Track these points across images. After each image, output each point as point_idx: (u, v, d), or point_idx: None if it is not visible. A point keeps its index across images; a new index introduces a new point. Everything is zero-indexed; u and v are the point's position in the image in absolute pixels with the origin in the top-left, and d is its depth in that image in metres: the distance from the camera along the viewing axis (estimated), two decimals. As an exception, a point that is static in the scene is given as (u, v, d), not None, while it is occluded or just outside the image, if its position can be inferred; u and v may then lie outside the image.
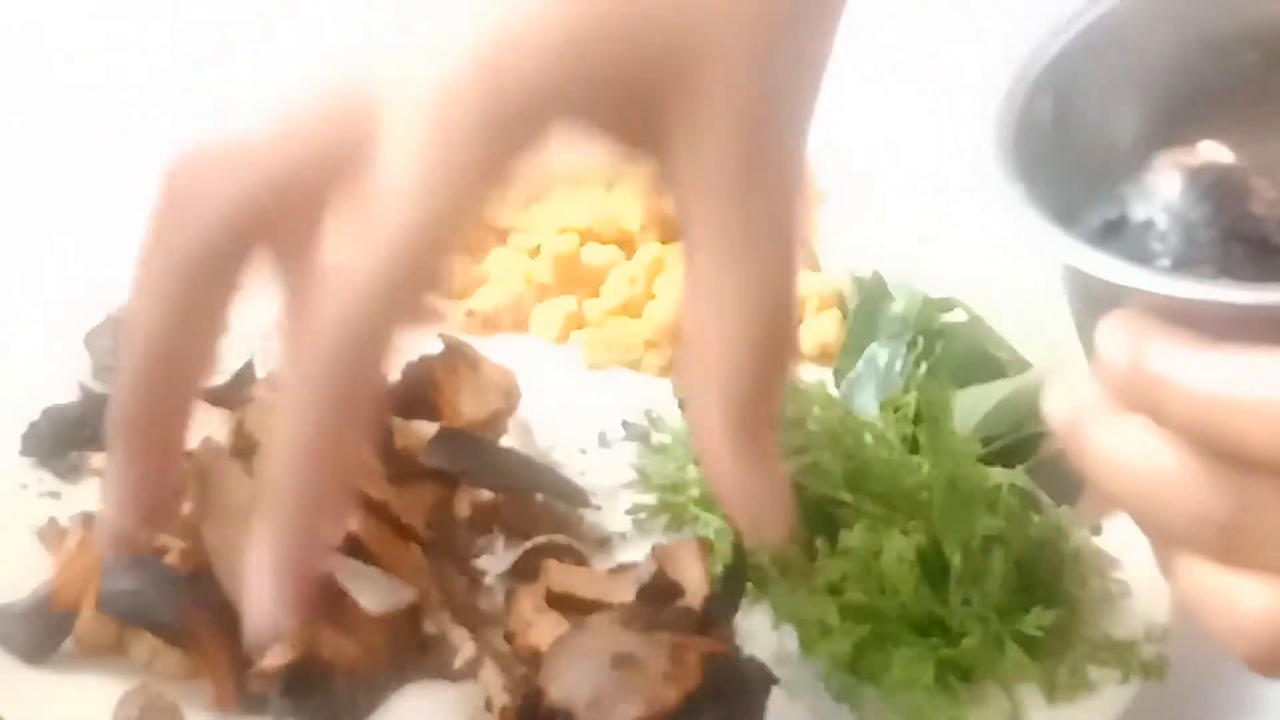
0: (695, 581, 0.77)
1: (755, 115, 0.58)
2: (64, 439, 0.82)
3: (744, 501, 0.57)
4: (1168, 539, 0.47)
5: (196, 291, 0.56)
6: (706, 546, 0.78)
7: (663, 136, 0.57)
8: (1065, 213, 0.47)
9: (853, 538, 0.75)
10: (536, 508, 0.81)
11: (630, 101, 0.57)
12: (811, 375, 0.87)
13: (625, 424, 0.86)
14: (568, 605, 0.77)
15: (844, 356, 0.89)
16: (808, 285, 0.93)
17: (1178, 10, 0.51)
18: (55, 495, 0.81)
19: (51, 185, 0.99)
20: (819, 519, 0.77)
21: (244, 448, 0.74)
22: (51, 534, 0.78)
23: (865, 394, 0.86)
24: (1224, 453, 0.44)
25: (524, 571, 0.79)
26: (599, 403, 0.86)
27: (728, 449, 0.56)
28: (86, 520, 0.76)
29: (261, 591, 0.54)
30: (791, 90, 0.60)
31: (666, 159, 0.58)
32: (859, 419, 0.80)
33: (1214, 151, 0.48)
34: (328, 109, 0.56)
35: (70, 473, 0.82)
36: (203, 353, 0.57)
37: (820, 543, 0.76)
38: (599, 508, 0.83)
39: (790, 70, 0.60)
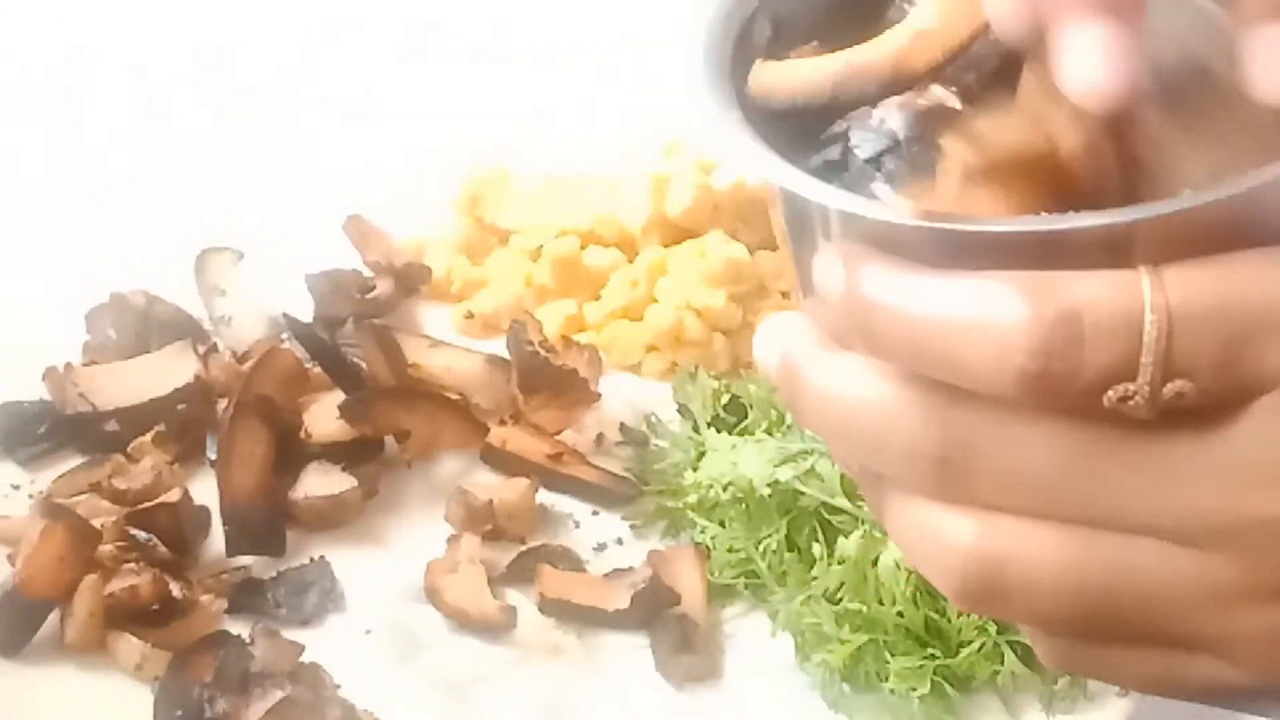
0: (691, 587, 0.77)
1: None
2: (23, 434, 0.82)
3: None
4: (880, 476, 0.45)
5: None
6: (703, 553, 0.78)
7: None
8: (782, 147, 0.46)
9: (850, 546, 0.74)
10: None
11: None
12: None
13: (623, 428, 0.85)
14: (563, 611, 0.77)
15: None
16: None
17: None
18: (16, 487, 0.82)
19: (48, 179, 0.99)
20: (816, 526, 0.76)
21: None
22: (11, 526, 0.77)
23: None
24: (938, 379, 0.43)
25: (520, 574, 0.78)
26: (598, 405, 0.86)
27: None
28: (47, 509, 0.75)
29: None
30: None
31: None
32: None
33: (944, 96, 0.47)
34: None
35: (30, 463, 0.82)
36: None
37: (818, 551, 0.76)
38: (596, 512, 0.82)
39: None
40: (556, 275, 0.90)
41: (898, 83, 0.47)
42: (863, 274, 0.43)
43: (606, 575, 0.78)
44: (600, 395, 0.85)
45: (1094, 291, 0.41)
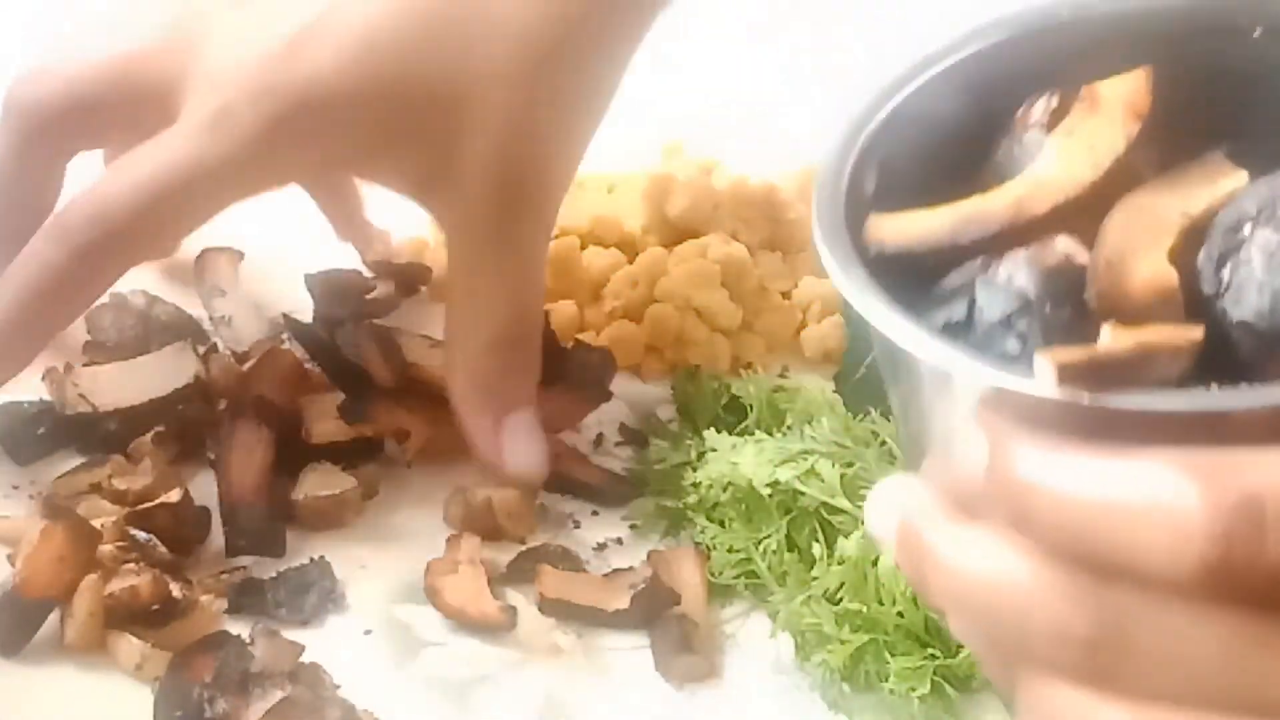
0: (691, 587, 0.77)
1: (509, 169, 0.70)
2: (23, 434, 0.82)
3: (484, 449, 0.78)
4: (1019, 659, 0.44)
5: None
6: (703, 553, 0.78)
7: (432, 181, 0.72)
8: (902, 304, 0.45)
9: (850, 546, 0.74)
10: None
11: (404, 150, 0.71)
12: (813, 381, 0.87)
13: (623, 428, 0.85)
14: (563, 611, 0.77)
15: (847, 361, 0.89)
16: (812, 290, 0.92)
17: (977, 84, 0.49)
18: (15, 488, 0.81)
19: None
20: (817, 526, 0.76)
21: None
22: (11, 526, 0.77)
23: (868, 400, 0.86)
24: (1092, 562, 0.41)
25: (519, 574, 0.78)
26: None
27: (467, 410, 0.77)
28: (47, 509, 0.75)
29: None
30: (552, 143, 0.72)
31: (435, 200, 0.74)
32: (860, 425, 0.80)
33: (1070, 247, 0.46)
34: (150, 59, 0.72)
35: (30, 463, 0.82)
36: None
37: (818, 551, 0.76)
38: (596, 512, 0.82)
39: (552, 126, 0.71)
40: (556, 275, 0.90)
41: (1018, 230, 0.46)
42: (1016, 452, 0.42)
43: (606, 575, 0.78)
44: (613, 395, 0.84)
45: (1274, 474, 0.40)
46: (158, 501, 0.77)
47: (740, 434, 0.81)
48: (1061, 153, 0.47)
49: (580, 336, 0.88)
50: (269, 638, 0.73)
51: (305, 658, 0.73)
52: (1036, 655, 0.43)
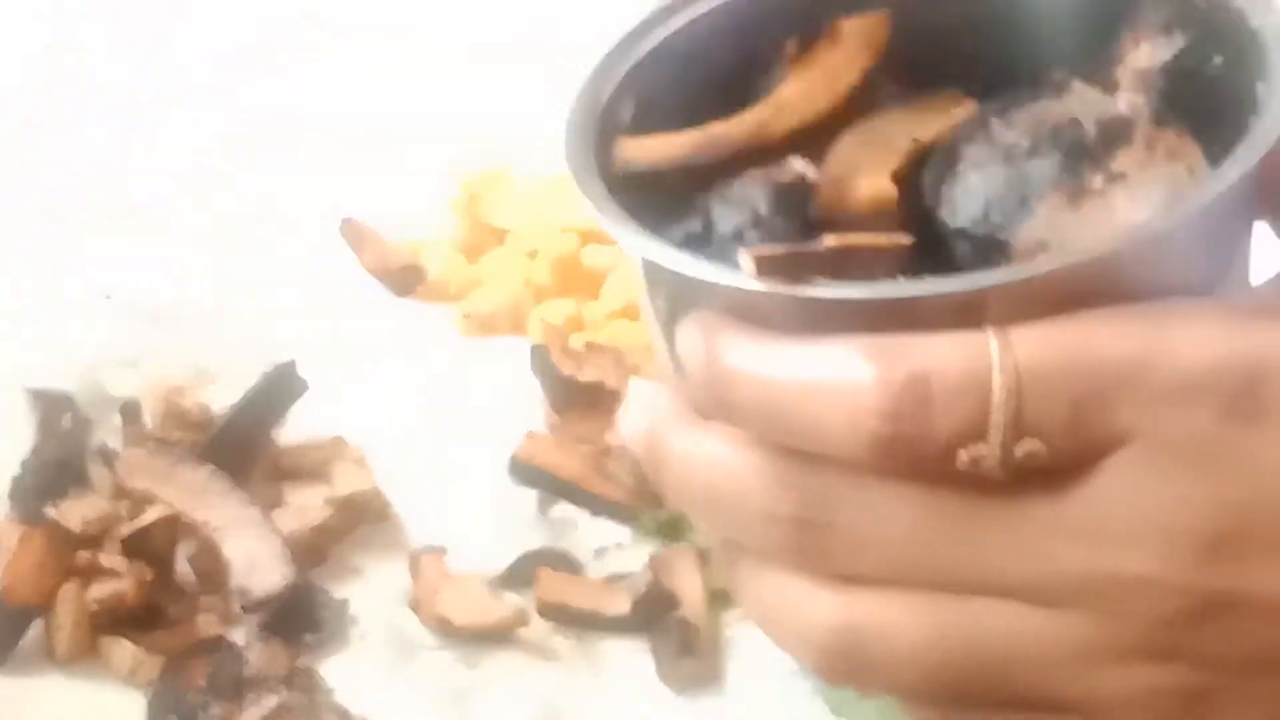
0: (692, 591, 0.76)
1: None
2: (46, 489, 0.80)
3: None
4: (737, 546, 0.45)
5: None
6: (704, 557, 0.77)
7: None
8: (645, 221, 0.46)
9: (852, 548, 0.74)
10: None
11: None
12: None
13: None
14: (562, 615, 0.76)
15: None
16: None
17: (740, 26, 0.51)
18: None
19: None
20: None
21: None
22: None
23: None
24: (795, 444, 0.43)
25: (518, 577, 0.78)
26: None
27: None
28: (25, 514, 0.75)
29: None
30: None
31: None
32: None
33: (802, 166, 0.47)
34: None
35: None
36: None
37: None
38: (596, 515, 0.82)
39: None
40: (555, 275, 0.90)
41: (757, 153, 0.48)
42: (720, 342, 0.44)
43: (606, 579, 0.78)
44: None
45: (941, 354, 0.42)
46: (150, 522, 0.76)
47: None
48: (801, 80, 0.50)
49: (580, 336, 0.88)
50: (263, 642, 0.72)
51: (299, 662, 0.73)
52: (750, 541, 0.45)
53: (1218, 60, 0.48)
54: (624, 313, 0.89)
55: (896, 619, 0.43)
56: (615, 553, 0.80)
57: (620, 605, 0.76)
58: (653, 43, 0.51)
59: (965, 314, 0.42)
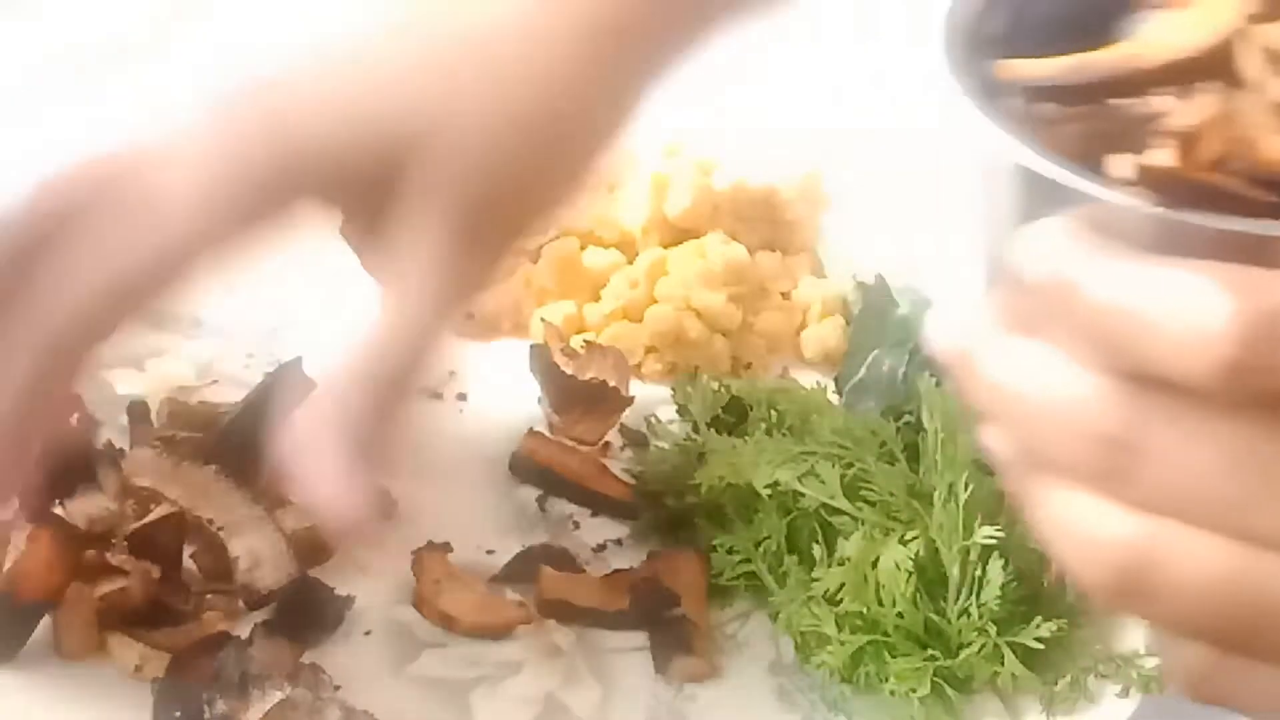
0: (691, 589, 0.77)
1: (468, 220, 0.66)
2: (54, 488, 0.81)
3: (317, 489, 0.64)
4: (1042, 464, 0.45)
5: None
6: (703, 554, 0.78)
7: (387, 221, 0.66)
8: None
9: (850, 547, 0.74)
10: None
11: (363, 186, 0.66)
12: (813, 381, 0.87)
13: (623, 429, 0.85)
14: (562, 612, 0.77)
15: (847, 362, 0.89)
16: (812, 290, 0.92)
17: None
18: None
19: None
20: (817, 528, 0.76)
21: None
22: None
23: (868, 400, 0.86)
24: (1131, 364, 0.43)
25: (518, 575, 0.78)
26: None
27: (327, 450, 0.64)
28: (30, 512, 0.75)
29: None
30: (524, 190, 0.67)
31: (388, 243, 0.67)
32: (860, 425, 0.80)
33: (1166, 105, 0.47)
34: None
35: None
36: None
37: (818, 552, 0.75)
38: (596, 513, 0.82)
39: (528, 172, 0.66)
40: (556, 276, 0.90)
41: (1123, 82, 0.48)
42: (1074, 252, 0.43)
43: (606, 576, 0.78)
44: (634, 398, 0.84)
45: None
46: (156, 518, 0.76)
47: (740, 435, 0.81)
48: (1177, 19, 0.50)
49: (579, 336, 0.88)
50: (268, 638, 0.73)
51: (304, 659, 0.73)
52: (1059, 456, 0.44)
53: None
54: (624, 313, 0.89)
55: (1191, 555, 0.43)
56: (615, 550, 0.80)
57: (620, 602, 0.76)
58: None
59: None
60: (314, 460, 0.64)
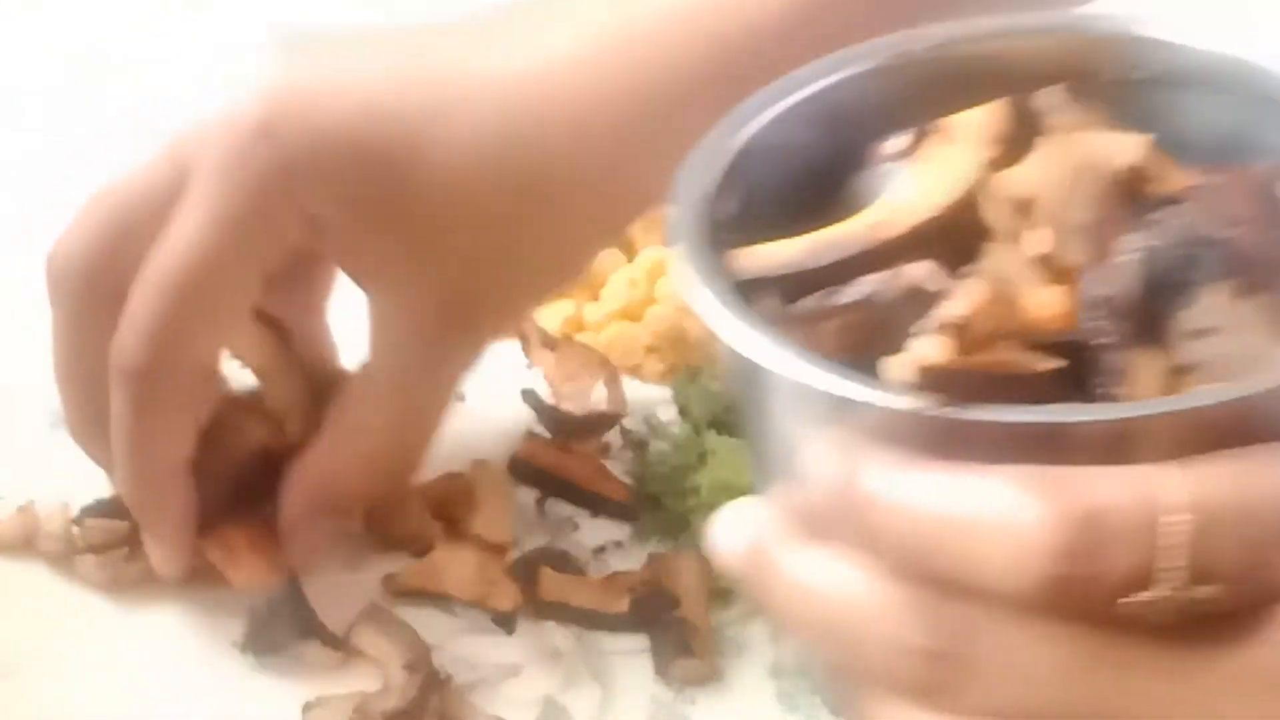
0: (692, 591, 0.77)
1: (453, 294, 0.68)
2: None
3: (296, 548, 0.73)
4: (861, 680, 0.44)
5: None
6: (704, 555, 0.78)
7: (376, 274, 0.68)
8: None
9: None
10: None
11: (360, 227, 0.66)
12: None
13: (623, 430, 0.85)
14: (561, 613, 0.76)
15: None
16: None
17: (833, 116, 0.50)
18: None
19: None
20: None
21: None
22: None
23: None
24: (934, 577, 0.41)
25: (517, 577, 0.78)
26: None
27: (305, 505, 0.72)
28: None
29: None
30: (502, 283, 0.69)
31: (374, 293, 0.69)
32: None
33: (920, 273, 0.46)
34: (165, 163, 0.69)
35: None
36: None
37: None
38: (596, 514, 0.82)
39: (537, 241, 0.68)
40: (556, 275, 0.90)
41: (874, 256, 0.47)
42: (863, 466, 0.42)
43: (606, 578, 0.78)
44: (628, 409, 0.84)
45: (1114, 490, 0.40)
46: None
47: (740, 435, 0.81)
48: (917, 178, 0.48)
49: (579, 337, 0.88)
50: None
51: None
52: (877, 672, 0.43)
53: None
54: (624, 313, 0.89)
55: None
56: (615, 552, 0.80)
57: (620, 604, 0.76)
58: (749, 134, 0.50)
59: (1123, 444, 0.40)
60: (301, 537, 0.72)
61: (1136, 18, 0.51)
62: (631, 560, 0.79)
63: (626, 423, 0.85)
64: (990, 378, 0.42)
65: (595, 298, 0.90)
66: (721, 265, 0.48)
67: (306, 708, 0.73)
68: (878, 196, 0.49)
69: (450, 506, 0.80)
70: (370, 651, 0.74)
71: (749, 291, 0.47)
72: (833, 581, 0.43)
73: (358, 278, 0.70)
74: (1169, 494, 0.40)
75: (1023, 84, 0.50)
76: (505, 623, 0.76)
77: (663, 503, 0.81)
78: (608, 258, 0.90)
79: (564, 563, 0.79)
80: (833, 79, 0.51)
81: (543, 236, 0.66)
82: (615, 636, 0.76)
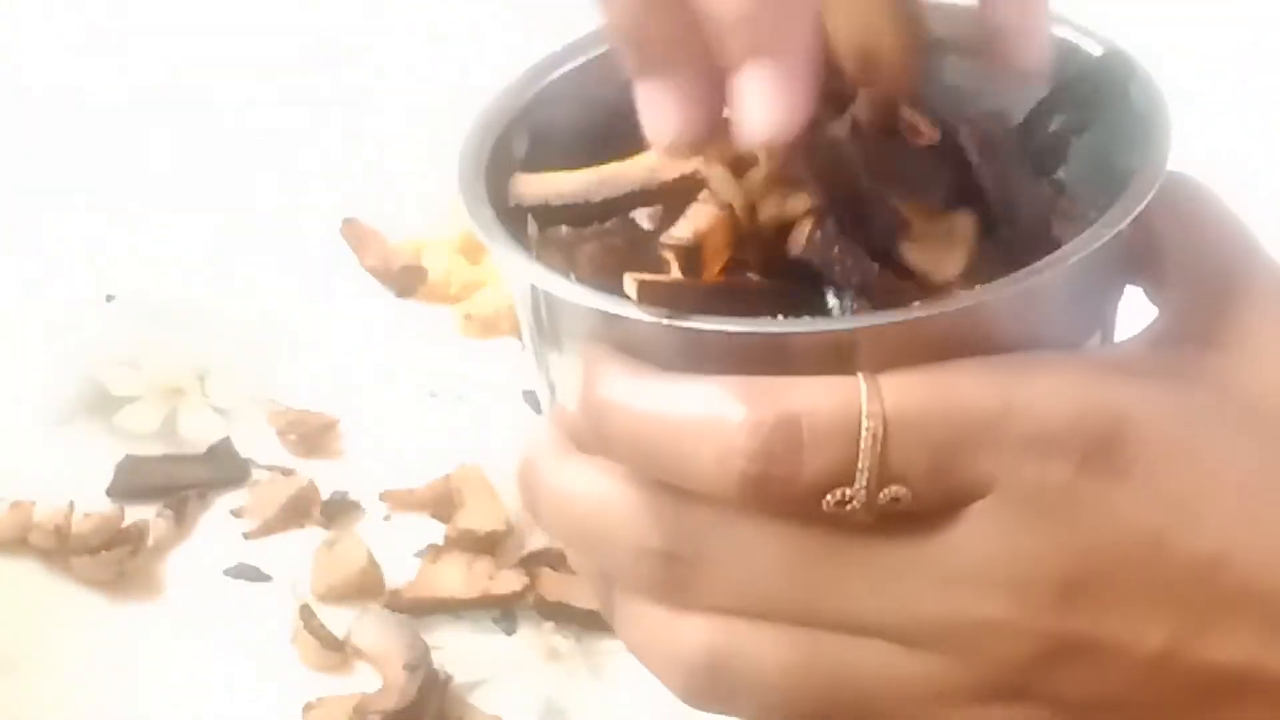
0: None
1: None
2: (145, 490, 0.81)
3: None
4: (609, 577, 0.46)
5: None
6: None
7: None
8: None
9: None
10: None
11: None
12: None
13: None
14: (562, 614, 0.76)
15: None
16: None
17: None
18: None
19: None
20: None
21: None
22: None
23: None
24: (666, 479, 0.44)
25: (526, 585, 0.78)
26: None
27: None
28: None
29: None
30: None
31: None
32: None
33: (651, 220, 0.48)
34: None
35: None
36: None
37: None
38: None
39: None
40: (556, 276, 0.90)
41: (648, 194, 0.48)
42: (599, 374, 0.44)
43: (606, 578, 0.78)
44: None
45: (812, 397, 0.42)
46: None
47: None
48: None
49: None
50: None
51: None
52: (622, 573, 0.46)
53: (1099, 127, 0.49)
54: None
55: (760, 648, 0.44)
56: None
57: (620, 604, 0.76)
58: (547, 81, 0.52)
59: (838, 355, 0.43)
60: None
61: None
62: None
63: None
64: (720, 295, 0.45)
65: (595, 298, 0.90)
66: (500, 190, 0.50)
67: (307, 708, 0.73)
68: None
69: (442, 508, 0.80)
70: (370, 651, 0.74)
71: (516, 219, 0.49)
72: (584, 489, 0.46)
73: None
74: (864, 400, 0.42)
75: None
76: (505, 623, 0.76)
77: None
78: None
79: (564, 563, 0.79)
80: None
81: None
82: (615, 638, 0.76)
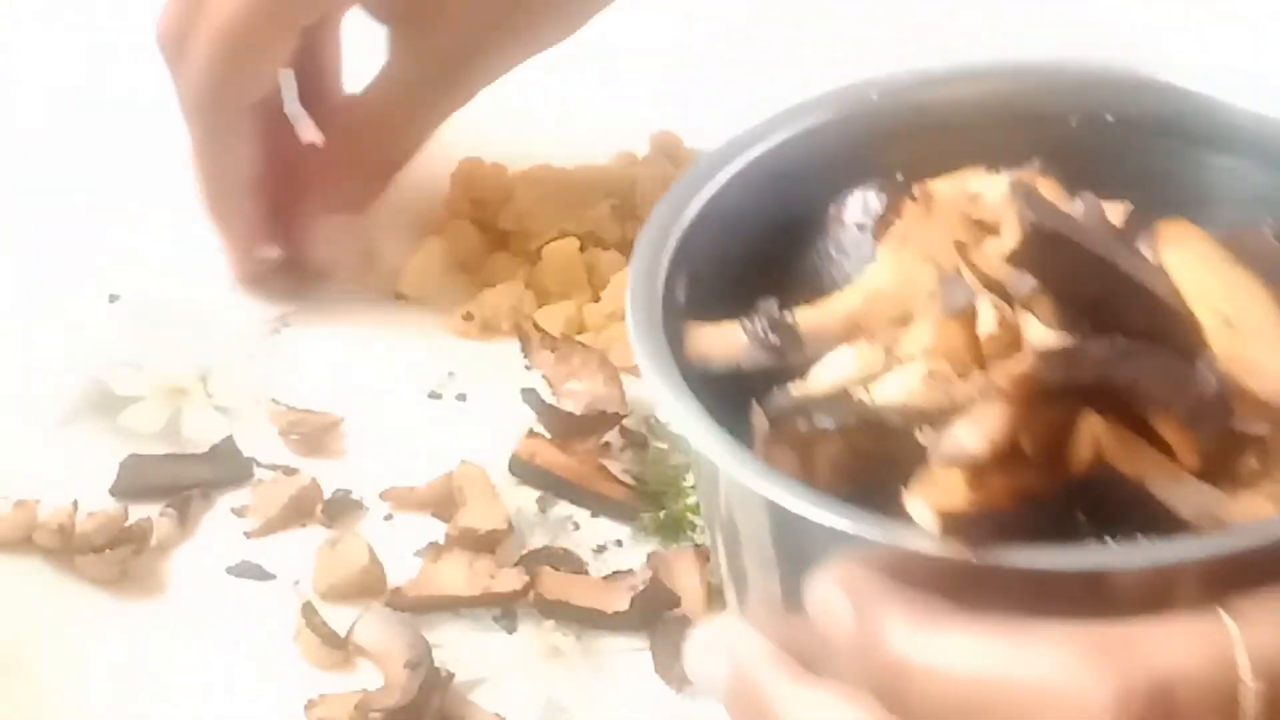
0: (691, 590, 0.77)
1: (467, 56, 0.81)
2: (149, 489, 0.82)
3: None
4: None
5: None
6: (704, 554, 0.78)
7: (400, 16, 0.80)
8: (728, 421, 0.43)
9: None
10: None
11: None
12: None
13: (623, 430, 0.85)
14: (562, 612, 0.76)
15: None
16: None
17: (785, 173, 0.48)
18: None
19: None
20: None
21: None
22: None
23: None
24: None
25: (526, 584, 0.78)
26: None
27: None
28: None
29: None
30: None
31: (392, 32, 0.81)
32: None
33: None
34: None
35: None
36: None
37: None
38: (596, 513, 0.82)
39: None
40: (556, 276, 0.90)
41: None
42: (886, 624, 0.39)
43: (606, 577, 0.78)
44: (629, 409, 0.84)
45: (1180, 653, 0.37)
46: None
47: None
48: (897, 263, 0.45)
49: (580, 337, 0.88)
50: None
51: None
52: None
53: None
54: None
55: None
56: (615, 551, 0.80)
57: (620, 603, 0.76)
58: (698, 207, 0.48)
59: (1162, 584, 0.38)
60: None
61: (1083, 57, 0.50)
62: (631, 560, 0.79)
63: (627, 423, 0.85)
64: (1007, 521, 0.39)
65: (595, 298, 0.90)
66: (682, 358, 0.45)
67: (309, 705, 0.73)
68: (840, 269, 0.47)
69: (443, 507, 0.81)
70: (372, 649, 0.75)
71: (755, 408, 0.44)
72: None
73: (382, 18, 0.83)
74: (1239, 649, 0.37)
75: (981, 130, 0.48)
76: (506, 621, 0.77)
77: (663, 503, 0.81)
78: (608, 258, 0.90)
79: (564, 562, 0.79)
80: (781, 136, 0.49)
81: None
82: (615, 636, 0.76)
